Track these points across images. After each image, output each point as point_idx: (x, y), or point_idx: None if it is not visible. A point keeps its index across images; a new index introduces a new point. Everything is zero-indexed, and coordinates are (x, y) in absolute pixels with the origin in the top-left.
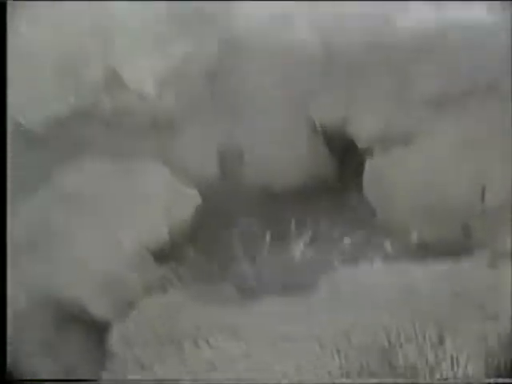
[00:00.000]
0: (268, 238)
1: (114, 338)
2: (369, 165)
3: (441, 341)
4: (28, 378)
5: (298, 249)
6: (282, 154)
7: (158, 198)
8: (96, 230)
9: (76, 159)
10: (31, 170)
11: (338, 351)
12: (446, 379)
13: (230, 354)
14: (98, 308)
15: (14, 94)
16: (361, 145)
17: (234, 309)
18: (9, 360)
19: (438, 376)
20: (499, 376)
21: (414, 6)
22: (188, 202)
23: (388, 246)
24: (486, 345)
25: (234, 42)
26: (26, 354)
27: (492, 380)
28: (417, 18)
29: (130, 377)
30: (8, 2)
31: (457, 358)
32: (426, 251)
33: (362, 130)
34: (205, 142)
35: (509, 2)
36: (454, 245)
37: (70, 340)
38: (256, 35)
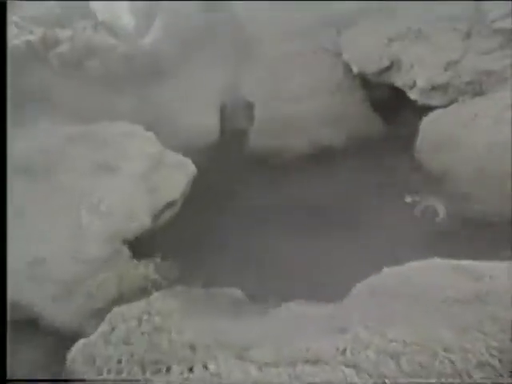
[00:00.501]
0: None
1: (76, 357)
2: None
3: None
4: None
5: None
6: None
7: (138, 173)
8: (55, 214)
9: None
10: None
11: None
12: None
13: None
14: (56, 317)
15: None
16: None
17: (236, 322)
18: None
19: None
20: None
21: None
22: (178, 175)
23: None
24: None
25: None
26: None
27: (492, 380)
28: None
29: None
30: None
31: None
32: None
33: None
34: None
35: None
36: None
37: (21, 352)
38: None
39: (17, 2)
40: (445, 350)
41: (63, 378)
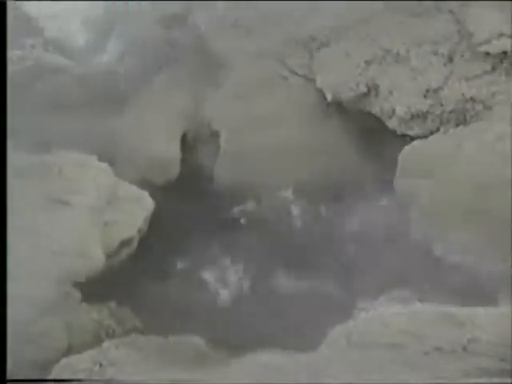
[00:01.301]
0: None
1: None
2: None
3: None
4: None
5: None
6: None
7: (90, 207)
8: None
9: None
10: None
11: None
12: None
13: None
14: None
15: None
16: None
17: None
18: None
19: None
20: None
21: None
22: (134, 210)
23: None
24: None
25: None
26: None
27: (493, 380)
28: None
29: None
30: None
31: None
32: None
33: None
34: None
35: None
36: None
37: None
38: None
39: None
40: None
41: None
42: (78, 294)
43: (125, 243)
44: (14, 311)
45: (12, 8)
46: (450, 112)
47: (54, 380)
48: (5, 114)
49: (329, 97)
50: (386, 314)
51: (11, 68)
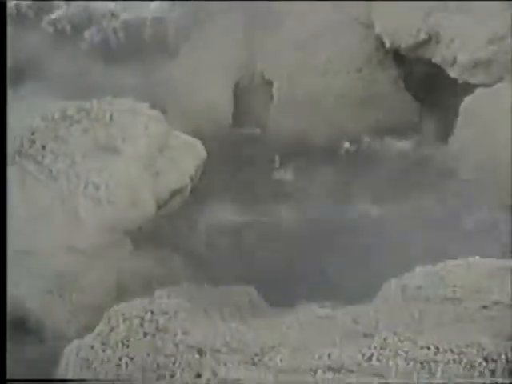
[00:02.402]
0: None
1: (70, 360)
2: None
3: None
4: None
5: None
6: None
7: (142, 156)
8: (44, 199)
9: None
10: None
11: None
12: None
13: None
14: (48, 314)
15: None
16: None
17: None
18: None
19: None
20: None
21: None
22: (186, 159)
23: None
24: None
25: None
26: None
27: (492, 380)
28: None
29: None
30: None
31: None
32: None
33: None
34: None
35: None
36: None
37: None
38: None
39: None
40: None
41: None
42: (129, 243)
43: (176, 192)
44: (66, 260)
45: None
46: None
47: (54, 380)
48: (5, 108)
49: (387, 43)
50: (442, 267)
51: (56, 14)
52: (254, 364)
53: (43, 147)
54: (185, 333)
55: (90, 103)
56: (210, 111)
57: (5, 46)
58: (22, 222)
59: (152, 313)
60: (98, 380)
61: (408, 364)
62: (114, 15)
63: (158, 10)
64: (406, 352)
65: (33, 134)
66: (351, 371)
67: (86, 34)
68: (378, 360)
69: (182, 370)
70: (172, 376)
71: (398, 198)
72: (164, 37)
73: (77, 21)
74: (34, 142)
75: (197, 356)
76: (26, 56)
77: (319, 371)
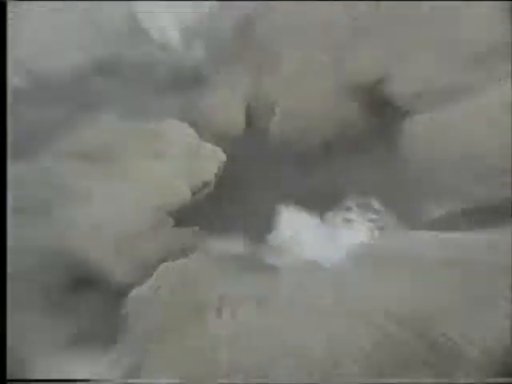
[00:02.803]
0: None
1: (130, 304)
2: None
3: None
4: (28, 378)
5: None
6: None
7: (182, 159)
8: (113, 189)
9: (94, 115)
10: (47, 122)
11: None
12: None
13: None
14: (114, 271)
15: (30, 43)
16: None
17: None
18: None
19: None
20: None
21: None
22: (212, 161)
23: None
24: None
25: None
26: (38, 315)
27: (492, 380)
28: None
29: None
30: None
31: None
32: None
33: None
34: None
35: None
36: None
37: (85, 303)
38: None
39: None
40: None
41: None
42: (170, 220)
43: (205, 184)
44: (128, 232)
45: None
46: None
47: (54, 380)
48: (5, 106)
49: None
50: None
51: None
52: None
53: (114, 153)
54: (211, 286)
55: (147, 124)
56: (228, 125)
57: (5, 45)
58: (100, 207)
59: (187, 269)
60: (100, 380)
61: None
62: (164, 60)
63: (193, 57)
64: None
65: (106, 144)
66: None
67: (150, 72)
68: None
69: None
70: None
71: None
72: (196, 75)
73: (137, 62)
74: (106, 149)
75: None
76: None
77: None
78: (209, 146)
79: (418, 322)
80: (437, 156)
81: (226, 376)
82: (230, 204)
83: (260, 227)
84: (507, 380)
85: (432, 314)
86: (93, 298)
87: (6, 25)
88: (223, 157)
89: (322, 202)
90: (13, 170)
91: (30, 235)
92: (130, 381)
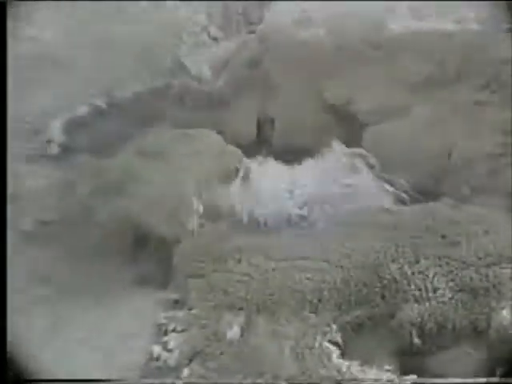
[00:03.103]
0: None
1: (178, 255)
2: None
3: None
4: (28, 378)
5: None
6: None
7: (211, 155)
8: (164, 178)
9: (151, 127)
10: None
11: None
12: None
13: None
14: (167, 231)
15: (104, 74)
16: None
17: None
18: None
19: (412, 287)
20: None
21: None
22: (234, 157)
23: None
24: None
25: (266, 39)
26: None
27: (492, 380)
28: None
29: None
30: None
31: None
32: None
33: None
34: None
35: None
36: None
37: (145, 254)
38: (281, 33)
39: None
40: None
41: None
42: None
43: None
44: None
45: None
46: None
47: (54, 380)
48: (5, 107)
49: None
50: None
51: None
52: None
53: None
54: None
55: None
56: (243, 135)
57: (5, 45)
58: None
59: None
60: (101, 380)
61: None
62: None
63: (221, 85)
64: None
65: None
66: None
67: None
68: None
69: None
70: None
71: None
72: (223, 99)
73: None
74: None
75: None
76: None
77: None
78: (231, 147)
79: None
80: (386, 156)
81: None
82: None
83: None
84: (507, 380)
85: None
86: (152, 250)
87: (6, 25)
88: (242, 155)
89: None
90: (96, 163)
91: (109, 209)
92: (129, 381)
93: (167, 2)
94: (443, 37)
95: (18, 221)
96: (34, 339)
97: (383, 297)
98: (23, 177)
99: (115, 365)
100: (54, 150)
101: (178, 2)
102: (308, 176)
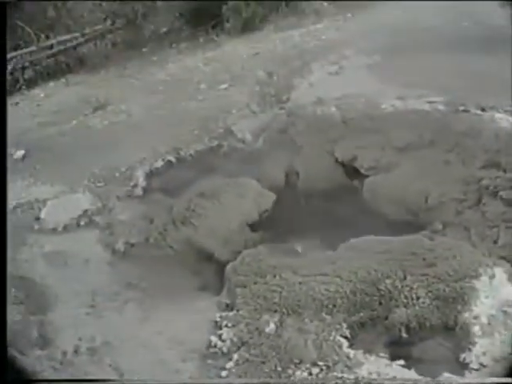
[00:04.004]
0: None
1: (229, 270)
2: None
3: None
4: (28, 378)
5: None
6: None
7: (250, 196)
8: (217, 213)
9: (208, 176)
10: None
11: None
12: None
13: None
14: (220, 253)
15: (174, 137)
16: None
17: None
18: None
19: (401, 296)
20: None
21: None
22: (268, 198)
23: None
24: (428, 280)
25: (292, 113)
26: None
27: (492, 380)
28: None
29: None
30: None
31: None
32: None
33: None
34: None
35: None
36: None
37: (206, 269)
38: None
39: None
40: None
41: None
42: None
43: (265, 211)
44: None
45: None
46: None
47: (54, 380)
48: (4, 108)
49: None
50: None
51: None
52: None
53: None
54: None
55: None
56: (275, 183)
57: (5, 45)
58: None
59: None
60: (101, 380)
61: None
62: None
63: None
64: None
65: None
66: None
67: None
68: None
69: None
70: None
71: None
72: (259, 155)
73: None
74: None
75: None
76: None
77: None
78: (266, 191)
79: None
80: (380, 197)
81: None
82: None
83: None
84: (507, 380)
85: None
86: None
87: (6, 25)
88: (274, 197)
89: None
90: (168, 201)
91: (178, 235)
92: (130, 381)
93: (221, 84)
94: (420, 114)
95: (113, 243)
96: (126, 329)
97: (380, 303)
98: (116, 211)
99: (184, 349)
100: (139, 191)
101: (228, 85)
102: None
